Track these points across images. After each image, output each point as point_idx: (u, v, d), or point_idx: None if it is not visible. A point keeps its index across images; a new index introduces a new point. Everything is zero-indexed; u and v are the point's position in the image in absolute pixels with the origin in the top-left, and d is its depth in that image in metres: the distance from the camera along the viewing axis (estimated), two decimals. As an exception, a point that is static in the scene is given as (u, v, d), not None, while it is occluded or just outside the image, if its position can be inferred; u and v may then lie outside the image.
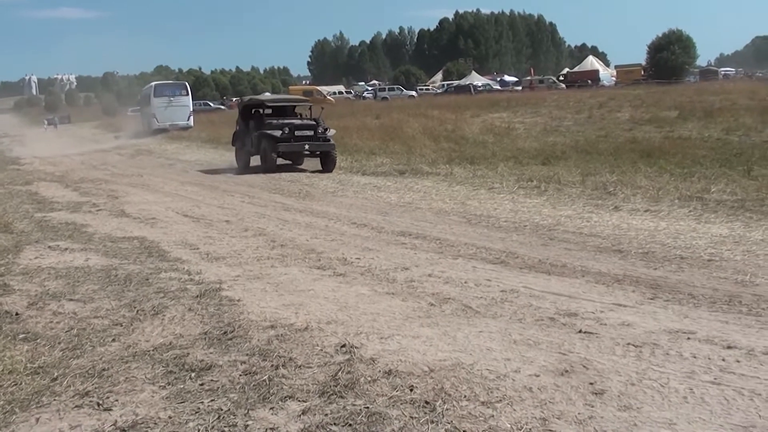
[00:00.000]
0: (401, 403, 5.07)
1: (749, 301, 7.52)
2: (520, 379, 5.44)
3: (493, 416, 4.85)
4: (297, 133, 23.94)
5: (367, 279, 8.95)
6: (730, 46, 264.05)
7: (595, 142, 25.15)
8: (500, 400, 5.07)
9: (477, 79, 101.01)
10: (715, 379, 5.39)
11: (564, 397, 5.10)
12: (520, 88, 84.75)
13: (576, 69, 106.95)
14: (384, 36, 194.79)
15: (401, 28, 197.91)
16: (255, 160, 25.18)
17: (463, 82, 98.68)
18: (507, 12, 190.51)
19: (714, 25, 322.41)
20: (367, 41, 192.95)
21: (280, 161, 24.68)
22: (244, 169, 25.10)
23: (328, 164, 23.77)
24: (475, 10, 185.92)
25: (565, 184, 16.53)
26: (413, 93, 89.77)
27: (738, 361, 5.75)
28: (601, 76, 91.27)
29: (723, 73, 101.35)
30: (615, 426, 4.66)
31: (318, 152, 24.27)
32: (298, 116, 26.11)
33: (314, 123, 24.56)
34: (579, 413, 4.84)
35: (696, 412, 4.84)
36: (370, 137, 30.26)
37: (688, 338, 6.33)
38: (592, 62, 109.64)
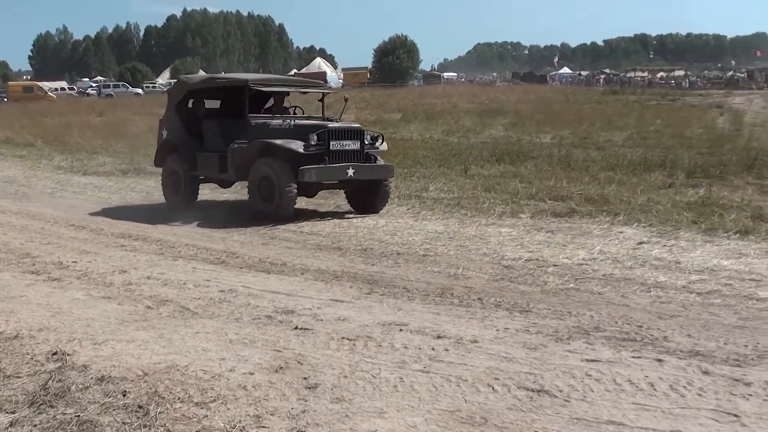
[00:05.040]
0: (114, 409, 4.93)
1: (460, 293, 7.88)
2: (234, 377, 5.42)
3: (206, 416, 4.80)
4: (334, 145, 13.32)
5: (84, 283, 8.65)
6: (454, 52, 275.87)
7: (319, 142, 25.39)
8: (214, 400, 5.03)
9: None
10: (424, 367, 5.58)
11: (278, 393, 5.12)
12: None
13: (304, 70, 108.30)
14: (110, 31, 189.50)
15: (128, 24, 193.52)
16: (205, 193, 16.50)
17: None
18: (235, 11, 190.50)
19: (438, 32, 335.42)
20: (92, 36, 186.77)
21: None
22: (185, 206, 14.68)
23: (378, 200, 13.99)
24: (201, 9, 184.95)
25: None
26: (139, 90, 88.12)
27: (447, 350, 5.98)
28: (328, 77, 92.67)
29: (446, 77, 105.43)
30: (327, 418, 4.72)
31: (361, 180, 13.70)
32: (292, 112, 15.65)
33: (358, 128, 14.07)
34: (292, 408, 4.88)
35: (405, 400, 4.99)
36: (92, 136, 29.40)
37: (401, 330, 6.53)
38: (319, 64, 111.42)
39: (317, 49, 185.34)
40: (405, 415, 4.77)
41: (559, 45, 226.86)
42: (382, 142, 14.36)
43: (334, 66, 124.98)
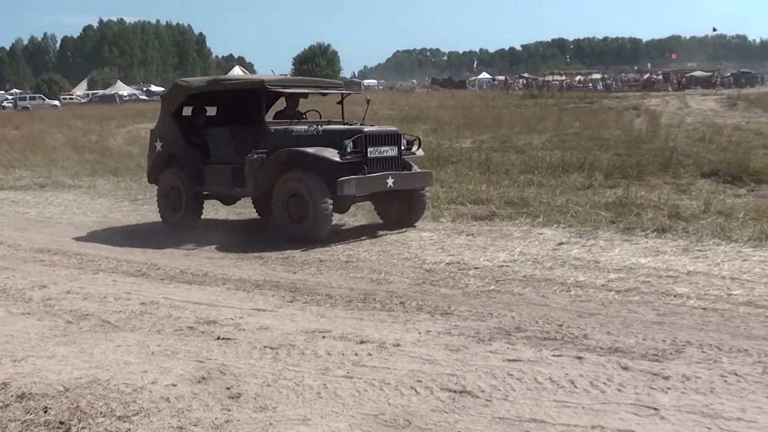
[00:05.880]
0: (35, 427, 4.87)
1: (383, 298, 7.93)
2: (157, 390, 5.38)
3: (129, 430, 4.77)
4: (371, 152, 11.74)
5: (2, 300, 8.48)
6: (374, 59, 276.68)
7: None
8: (137, 413, 4.99)
9: (123, 89, 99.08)
10: (347, 373, 5.61)
11: (201, 404, 5.10)
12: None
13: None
14: (25, 42, 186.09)
15: (45, 35, 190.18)
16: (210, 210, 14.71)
17: (109, 91, 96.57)
18: (154, 21, 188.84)
19: (358, 40, 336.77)
20: (7, 48, 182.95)
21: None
22: (188, 225, 13.11)
23: (415, 211, 12.63)
24: (118, 19, 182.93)
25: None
26: (56, 102, 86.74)
27: (370, 355, 6.02)
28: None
29: (366, 84, 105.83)
30: (251, 427, 4.72)
31: (400, 190, 12.15)
32: (304, 116, 13.74)
33: (395, 131, 12.46)
34: (216, 418, 4.86)
35: (329, 406, 5.01)
36: (8, 149, 28.76)
37: (324, 337, 6.55)
38: (238, 72, 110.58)
39: (236, 57, 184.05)
40: (329, 421, 4.80)
41: (477, 51, 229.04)
42: (419, 147, 12.97)
43: (254, 74, 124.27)
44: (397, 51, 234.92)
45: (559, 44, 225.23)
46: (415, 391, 5.22)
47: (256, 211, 14.12)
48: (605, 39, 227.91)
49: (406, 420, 4.76)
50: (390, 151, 11.91)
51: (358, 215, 13.16)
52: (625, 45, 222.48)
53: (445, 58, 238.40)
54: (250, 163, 12.00)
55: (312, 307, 7.69)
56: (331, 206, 11.36)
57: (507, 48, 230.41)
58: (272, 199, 11.85)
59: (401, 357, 5.95)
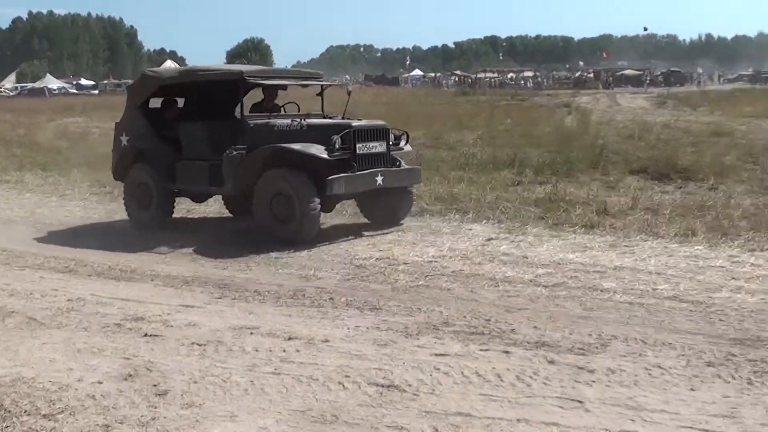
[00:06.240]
0: (-43, 426, 4.80)
1: (312, 294, 7.95)
2: (82, 387, 5.33)
3: (54, 428, 4.73)
4: (360, 148, 11.06)
5: (-76, 298, 8.31)
6: (307, 55, 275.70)
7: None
8: (62, 411, 4.95)
9: (52, 82, 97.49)
10: (275, 369, 5.62)
11: (127, 402, 5.07)
12: (96, 92, 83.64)
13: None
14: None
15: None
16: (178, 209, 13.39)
17: (38, 84, 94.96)
18: (85, 14, 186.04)
19: (291, 34, 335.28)
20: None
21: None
22: (160, 223, 12.31)
23: (401, 209, 12.09)
24: (48, 11, 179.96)
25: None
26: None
27: (298, 351, 6.04)
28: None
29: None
30: (178, 424, 4.70)
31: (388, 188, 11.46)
32: (282, 109, 12.92)
33: (383, 126, 11.71)
34: (142, 416, 4.84)
35: (256, 403, 5.02)
36: (-67, 145, 28.14)
37: (252, 333, 6.56)
38: (170, 66, 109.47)
39: (168, 51, 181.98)
40: (256, 417, 4.80)
41: (411, 48, 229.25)
42: (407, 142, 12.33)
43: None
44: (331, 46, 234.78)
45: (492, 42, 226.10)
46: (343, 386, 5.25)
47: (228, 210, 13.65)
48: (538, 37, 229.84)
49: (333, 415, 4.79)
50: (379, 147, 11.28)
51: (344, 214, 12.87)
52: (558, 43, 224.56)
53: (379, 54, 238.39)
54: (229, 160, 11.14)
55: (240, 303, 7.69)
56: (319, 206, 10.68)
57: (440, 45, 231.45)
58: (253, 198, 11.08)
59: (329, 353, 5.97)
